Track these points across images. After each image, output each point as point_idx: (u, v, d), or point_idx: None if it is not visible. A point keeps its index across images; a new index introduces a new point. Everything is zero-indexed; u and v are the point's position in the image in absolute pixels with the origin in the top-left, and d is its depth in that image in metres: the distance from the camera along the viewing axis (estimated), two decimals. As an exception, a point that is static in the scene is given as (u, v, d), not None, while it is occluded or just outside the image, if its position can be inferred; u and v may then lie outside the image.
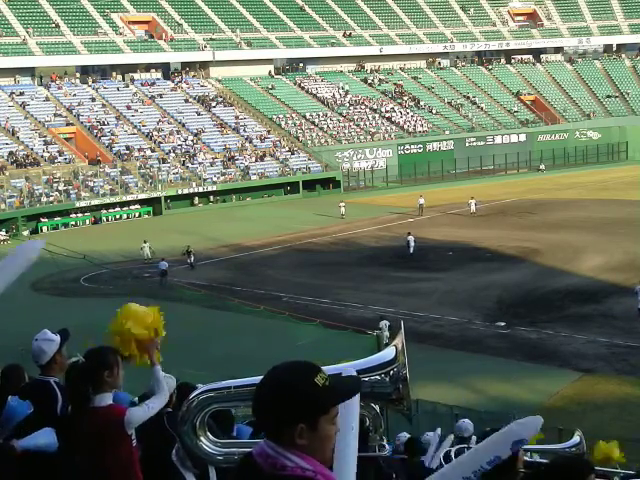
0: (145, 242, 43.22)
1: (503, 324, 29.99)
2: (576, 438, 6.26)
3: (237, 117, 71.12)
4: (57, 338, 5.53)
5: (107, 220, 57.61)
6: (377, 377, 3.53)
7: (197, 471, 5.58)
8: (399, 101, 79.51)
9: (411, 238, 41.60)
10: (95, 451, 4.89)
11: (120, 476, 4.95)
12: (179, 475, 5.58)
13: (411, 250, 41.40)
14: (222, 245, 46.88)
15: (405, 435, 10.17)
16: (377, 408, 3.72)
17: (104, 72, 73.76)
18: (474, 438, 9.68)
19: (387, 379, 3.52)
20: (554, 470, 3.69)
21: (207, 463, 3.77)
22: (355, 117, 75.51)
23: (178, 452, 5.54)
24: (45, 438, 5.18)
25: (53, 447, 5.18)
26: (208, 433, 3.66)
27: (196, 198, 61.52)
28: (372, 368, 3.54)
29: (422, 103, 79.71)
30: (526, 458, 4.82)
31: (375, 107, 77.66)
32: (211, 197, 62.04)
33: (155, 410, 5.05)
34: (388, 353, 3.60)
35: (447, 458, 6.29)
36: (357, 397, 3.02)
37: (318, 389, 2.68)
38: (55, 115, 65.04)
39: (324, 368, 3.18)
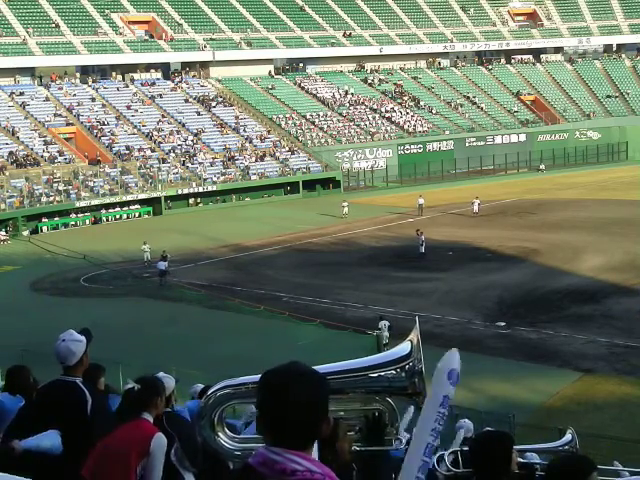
0: (145, 243, 43.08)
1: (503, 324, 29.98)
2: (568, 436, 6.25)
3: (237, 117, 71.12)
4: (84, 338, 5.55)
5: (107, 220, 57.60)
6: (392, 372, 3.59)
7: (195, 471, 5.59)
8: (399, 101, 79.52)
9: (423, 237, 41.57)
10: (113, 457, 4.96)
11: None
12: (178, 475, 5.58)
13: (422, 249, 41.33)
14: (222, 245, 46.87)
15: (405, 435, 10.16)
16: (393, 403, 3.77)
17: (104, 72, 73.78)
18: (470, 433, 9.67)
19: (403, 374, 3.58)
20: (557, 469, 3.68)
21: (224, 459, 3.81)
22: (355, 117, 75.51)
23: (177, 452, 5.54)
24: (49, 440, 5.18)
25: (57, 450, 5.19)
26: (226, 429, 3.71)
27: (191, 199, 61.45)
28: (388, 363, 3.59)
29: (422, 103, 79.72)
30: (520, 459, 4.81)
31: (375, 107, 77.67)
32: (199, 199, 61.82)
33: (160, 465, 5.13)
34: (403, 348, 3.66)
35: (440, 461, 6.26)
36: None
37: (326, 389, 2.70)
38: (55, 115, 65.05)
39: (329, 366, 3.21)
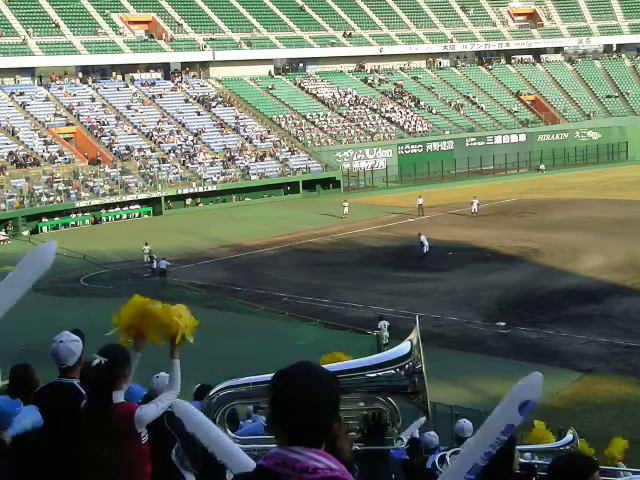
0: (146, 244, 42.94)
1: (503, 324, 29.98)
2: (569, 436, 6.27)
3: (237, 117, 71.12)
4: (79, 338, 5.56)
5: (107, 220, 57.60)
6: (392, 371, 3.61)
7: (196, 471, 5.59)
8: (399, 101, 79.51)
9: (424, 238, 41.60)
10: (105, 447, 4.95)
11: (128, 473, 5.00)
12: (179, 475, 5.58)
13: (425, 249, 41.37)
14: (222, 245, 46.88)
15: (406, 435, 10.15)
16: (394, 402, 3.78)
17: (104, 72, 73.75)
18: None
19: (402, 373, 3.60)
20: (558, 469, 3.68)
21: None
22: (355, 117, 75.50)
23: (177, 452, 5.55)
24: (30, 418, 5.20)
25: (39, 424, 5.21)
26: (228, 429, 3.73)
27: (189, 199, 61.33)
28: (387, 362, 3.61)
29: (422, 103, 79.70)
30: (521, 460, 4.83)
31: (375, 107, 77.65)
32: (198, 199, 61.68)
33: (166, 406, 5.10)
34: (403, 348, 3.68)
35: (442, 461, 6.28)
36: None
37: (337, 388, 2.73)
38: (55, 115, 65.04)
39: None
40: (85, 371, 5.81)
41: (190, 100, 71.75)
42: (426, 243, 41.41)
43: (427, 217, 52.41)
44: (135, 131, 66.10)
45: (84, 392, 5.36)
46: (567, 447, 6.09)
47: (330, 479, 2.61)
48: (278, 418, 2.68)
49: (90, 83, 70.40)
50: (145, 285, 38.65)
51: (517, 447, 4.45)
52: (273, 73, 79.43)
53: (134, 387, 5.94)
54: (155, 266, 40.14)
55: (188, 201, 61.33)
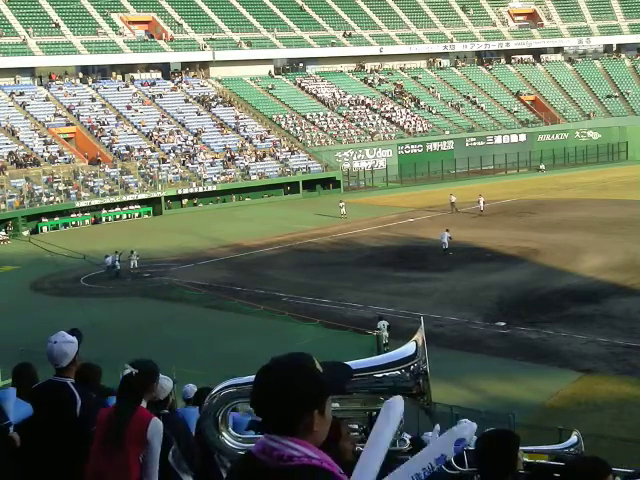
0: (132, 252, 41.95)
1: (503, 324, 29.97)
2: (574, 438, 6.22)
3: (237, 117, 71.12)
4: (75, 339, 5.54)
5: (107, 220, 57.58)
6: (397, 372, 3.60)
7: (193, 473, 5.57)
8: (399, 101, 79.51)
9: (445, 234, 41.59)
10: (111, 446, 4.95)
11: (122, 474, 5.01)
12: (176, 478, 5.56)
13: (444, 246, 41.38)
14: (222, 245, 46.86)
15: (407, 435, 10.12)
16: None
17: (104, 72, 73.77)
18: (474, 438, 9.61)
19: (407, 374, 3.59)
20: (573, 471, 3.67)
21: (229, 457, 3.81)
22: (355, 117, 75.50)
23: (174, 454, 5.53)
24: (23, 411, 5.22)
25: (29, 412, 5.28)
26: (230, 429, 3.71)
27: (185, 199, 61.26)
28: (393, 363, 3.60)
29: (422, 103, 79.71)
30: (525, 459, 4.80)
31: (375, 107, 77.65)
32: (196, 199, 61.61)
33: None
34: (409, 349, 3.67)
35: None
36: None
37: (322, 376, 2.75)
38: (55, 115, 65.04)
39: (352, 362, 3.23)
40: (86, 371, 5.81)
41: (190, 100, 71.75)
42: (445, 240, 41.40)
43: (427, 217, 52.42)
44: (135, 131, 66.10)
45: (77, 393, 5.34)
46: (572, 449, 6.02)
47: (306, 466, 2.63)
48: (254, 407, 2.74)
49: (90, 83, 70.41)
50: (145, 285, 38.70)
51: (521, 447, 4.42)
52: (273, 73, 79.44)
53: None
54: (110, 265, 40.21)
55: (184, 201, 61.06)
